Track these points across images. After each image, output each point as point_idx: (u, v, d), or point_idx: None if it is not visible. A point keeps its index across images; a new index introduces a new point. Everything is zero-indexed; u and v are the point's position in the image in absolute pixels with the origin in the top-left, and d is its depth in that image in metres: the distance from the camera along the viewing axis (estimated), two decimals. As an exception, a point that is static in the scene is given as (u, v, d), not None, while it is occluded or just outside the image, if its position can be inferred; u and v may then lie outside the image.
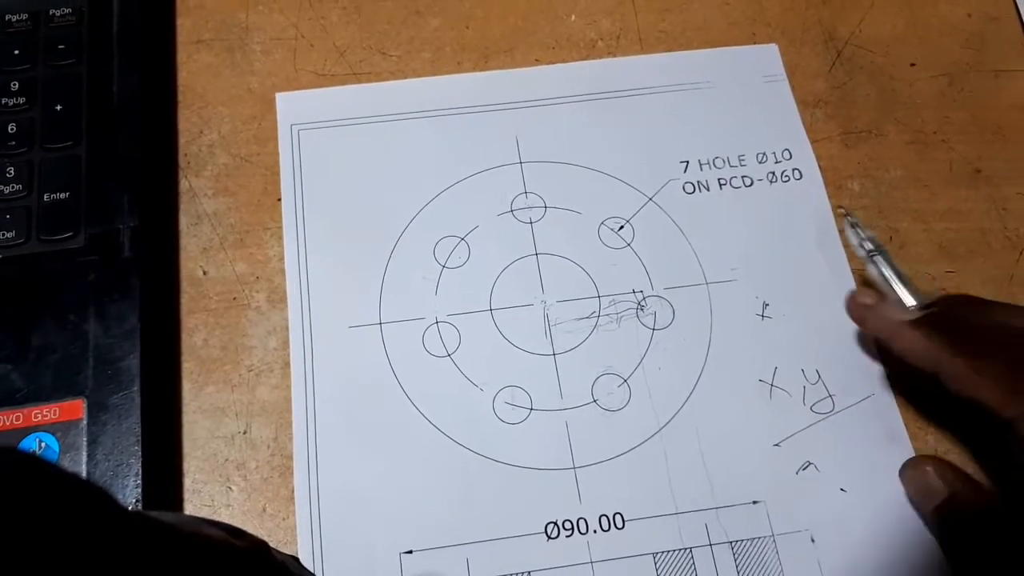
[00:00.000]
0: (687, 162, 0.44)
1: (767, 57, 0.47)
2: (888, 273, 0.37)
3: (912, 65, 0.47)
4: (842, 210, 0.42)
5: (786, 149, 0.45)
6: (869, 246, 0.38)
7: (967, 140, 0.45)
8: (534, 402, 0.39)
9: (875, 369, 0.40)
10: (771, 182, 0.44)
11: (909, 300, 0.36)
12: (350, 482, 0.37)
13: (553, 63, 0.46)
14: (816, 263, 0.42)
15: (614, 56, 0.47)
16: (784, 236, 0.43)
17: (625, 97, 0.46)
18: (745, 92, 0.46)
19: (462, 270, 0.41)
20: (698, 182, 0.44)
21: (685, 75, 0.46)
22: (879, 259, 0.38)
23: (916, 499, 0.37)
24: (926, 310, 0.36)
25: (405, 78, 0.46)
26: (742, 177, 0.44)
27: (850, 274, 0.42)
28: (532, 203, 0.43)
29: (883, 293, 0.37)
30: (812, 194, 0.44)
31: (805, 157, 0.45)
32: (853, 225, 0.39)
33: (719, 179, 0.44)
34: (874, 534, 0.37)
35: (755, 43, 0.47)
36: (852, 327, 0.40)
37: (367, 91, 0.45)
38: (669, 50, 0.47)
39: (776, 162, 0.45)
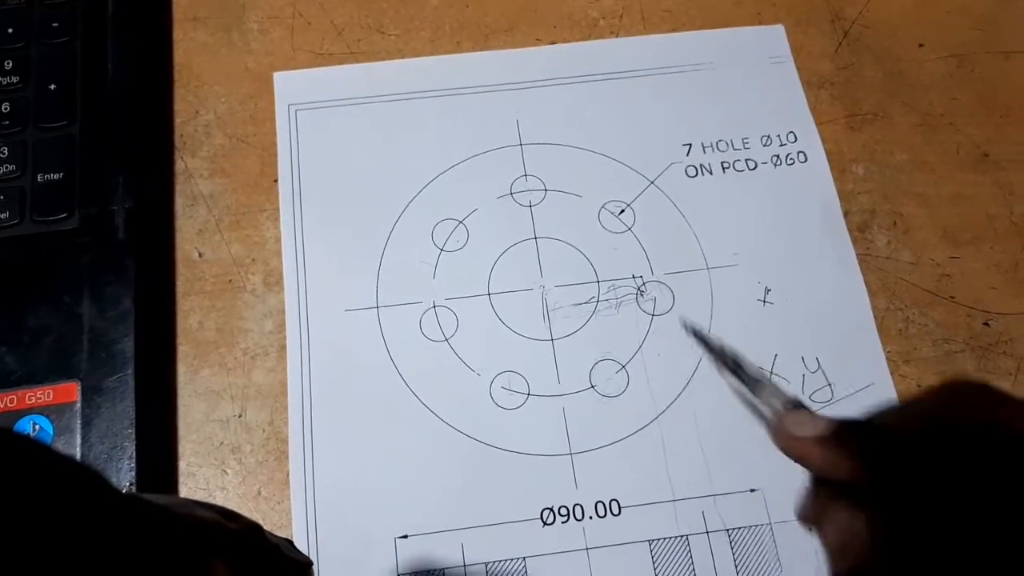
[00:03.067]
0: (690, 145, 0.44)
1: (773, 38, 0.46)
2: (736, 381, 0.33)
3: (920, 46, 0.46)
4: (684, 322, 0.38)
5: (791, 132, 0.44)
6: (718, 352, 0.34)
7: (975, 123, 0.45)
8: (531, 387, 0.38)
9: (875, 358, 0.39)
10: (775, 165, 0.43)
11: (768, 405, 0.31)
12: (345, 466, 0.37)
13: (554, 43, 0.46)
14: (820, 248, 0.42)
15: (616, 36, 0.46)
16: (788, 220, 0.42)
17: (627, 78, 0.45)
18: (750, 73, 0.45)
19: (460, 254, 0.41)
20: (701, 165, 0.43)
21: (689, 56, 0.45)
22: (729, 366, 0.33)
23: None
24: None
25: (404, 57, 0.45)
26: (746, 160, 0.43)
27: (855, 260, 0.41)
28: (532, 186, 0.42)
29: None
30: (817, 178, 0.43)
31: (810, 140, 0.44)
32: (696, 334, 0.36)
33: (722, 162, 0.43)
34: (872, 523, 0.36)
35: (760, 23, 0.46)
36: (853, 315, 0.40)
37: (365, 71, 0.45)
38: (673, 30, 0.46)
39: (781, 145, 0.44)
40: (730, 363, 0.34)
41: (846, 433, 0.29)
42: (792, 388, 0.38)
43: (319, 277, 0.40)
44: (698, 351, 0.39)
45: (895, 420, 0.28)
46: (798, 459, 0.31)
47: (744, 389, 0.34)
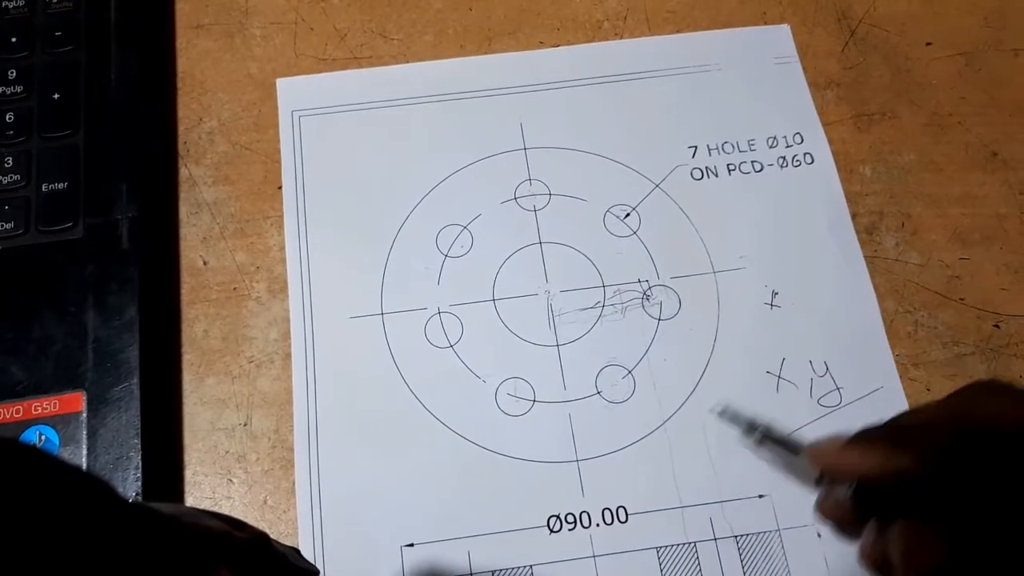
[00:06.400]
0: (695, 147, 0.43)
1: (778, 38, 0.46)
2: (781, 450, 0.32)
3: (928, 44, 0.46)
4: (716, 407, 0.36)
5: (797, 133, 0.44)
6: (756, 431, 0.33)
7: (984, 122, 0.44)
8: (537, 394, 0.38)
9: (884, 361, 0.39)
10: (782, 167, 0.43)
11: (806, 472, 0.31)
12: (351, 474, 0.37)
13: (558, 45, 0.45)
14: (828, 250, 0.41)
15: (621, 38, 0.46)
16: (795, 223, 0.42)
17: (632, 80, 0.45)
18: (755, 74, 0.45)
19: (465, 259, 0.41)
20: (706, 168, 0.43)
21: (693, 57, 0.45)
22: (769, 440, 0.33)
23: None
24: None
25: (407, 62, 0.45)
26: (752, 162, 0.43)
27: (863, 262, 0.41)
28: (536, 190, 0.42)
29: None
30: (824, 179, 0.43)
31: (817, 141, 0.44)
32: (722, 414, 0.35)
33: (728, 164, 0.43)
34: (882, 529, 0.36)
35: (766, 23, 0.46)
36: (861, 318, 0.40)
37: (368, 76, 0.44)
38: (677, 31, 0.46)
39: (787, 146, 0.44)
40: (765, 435, 0.33)
41: (880, 436, 0.29)
42: (800, 391, 0.38)
43: (323, 284, 0.40)
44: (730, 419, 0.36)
45: (919, 420, 0.28)
46: (844, 473, 0.30)
47: (784, 456, 0.33)
